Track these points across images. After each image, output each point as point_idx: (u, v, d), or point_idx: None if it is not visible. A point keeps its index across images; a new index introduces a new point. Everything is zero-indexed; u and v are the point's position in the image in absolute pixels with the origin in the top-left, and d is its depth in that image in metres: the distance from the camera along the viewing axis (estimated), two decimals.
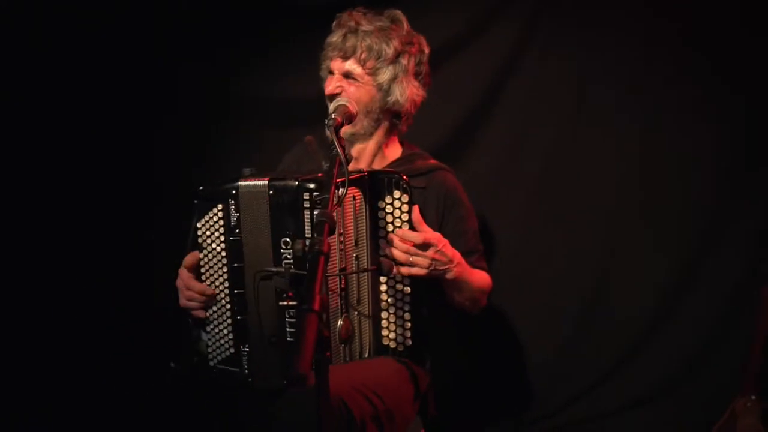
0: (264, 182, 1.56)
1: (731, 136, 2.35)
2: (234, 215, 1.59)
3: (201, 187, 1.63)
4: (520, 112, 2.48)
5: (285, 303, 1.49)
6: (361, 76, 1.75)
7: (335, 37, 1.76)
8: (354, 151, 1.83)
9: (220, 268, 1.64)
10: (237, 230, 1.59)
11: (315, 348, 0.99)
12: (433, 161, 1.88)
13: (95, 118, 2.43)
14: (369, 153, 1.84)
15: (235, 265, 1.61)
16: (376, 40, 1.73)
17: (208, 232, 1.64)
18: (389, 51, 1.74)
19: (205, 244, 1.64)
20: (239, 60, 2.50)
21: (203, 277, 1.66)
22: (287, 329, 1.55)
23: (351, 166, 1.70)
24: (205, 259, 1.65)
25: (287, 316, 1.54)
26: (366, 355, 1.63)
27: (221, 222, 1.61)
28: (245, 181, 1.58)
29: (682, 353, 2.42)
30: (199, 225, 1.64)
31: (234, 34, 2.48)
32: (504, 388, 2.56)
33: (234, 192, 1.59)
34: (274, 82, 2.51)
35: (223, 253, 1.62)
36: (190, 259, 1.66)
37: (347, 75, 1.76)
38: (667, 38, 2.35)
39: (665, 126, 2.40)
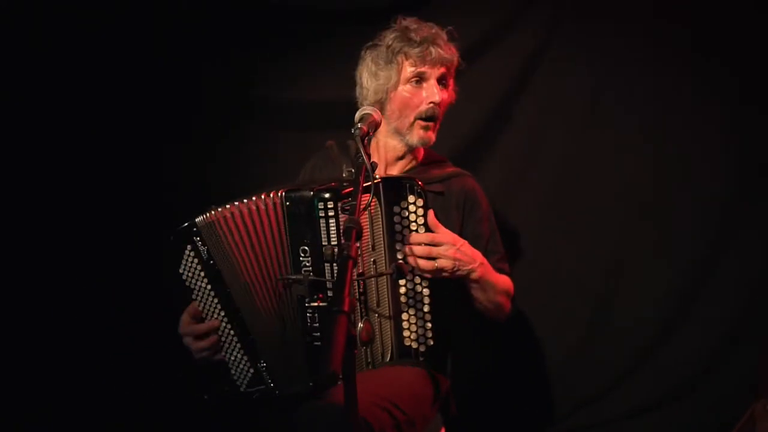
0: (202, 218, 1.73)
1: (744, 141, 2.44)
2: (203, 249, 1.75)
3: (171, 237, 1.78)
4: (537, 117, 2.59)
5: (316, 304, 1.61)
6: (448, 81, 1.94)
7: (425, 47, 1.86)
8: (401, 154, 1.97)
9: (212, 300, 1.78)
10: (212, 262, 1.75)
11: (345, 347, 1.13)
12: (451, 168, 2.00)
13: (110, 119, 2.54)
14: (413, 156, 1.99)
15: (225, 291, 1.76)
16: (455, 50, 1.92)
17: (190, 273, 1.79)
18: (458, 59, 1.94)
19: (192, 284, 1.79)
20: (258, 63, 2.61)
21: (203, 315, 1.80)
22: (310, 334, 1.66)
23: (380, 173, 1.84)
24: (198, 298, 1.80)
25: (309, 321, 1.65)
26: (388, 358, 1.72)
27: (196, 260, 1.76)
28: (201, 216, 1.74)
29: (695, 356, 2.49)
30: (181, 270, 1.79)
31: (253, 37, 2.58)
32: (520, 390, 2.66)
33: (195, 229, 1.75)
34: (293, 85, 2.62)
35: (209, 287, 1.77)
36: (186, 317, 1.81)
37: (440, 81, 1.91)
38: (680, 43, 2.45)
39: (679, 131, 2.49)
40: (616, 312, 2.58)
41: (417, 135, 1.91)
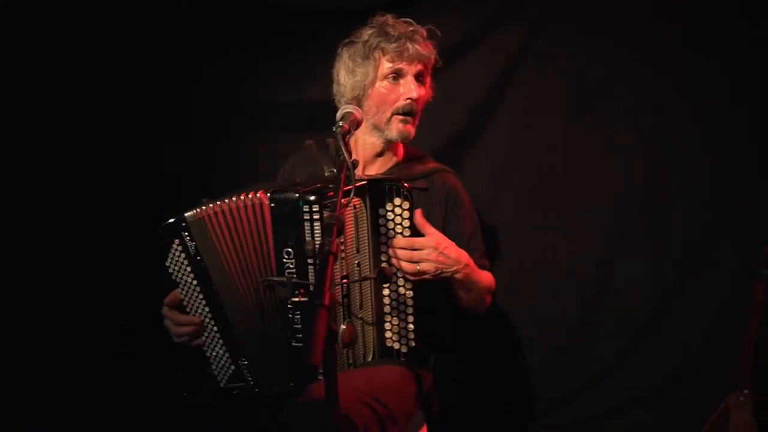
0: (191, 213, 1.75)
1: (731, 141, 2.48)
2: (191, 245, 1.77)
3: (159, 231, 1.80)
4: (521, 115, 2.63)
5: (297, 299, 1.63)
6: (426, 77, 1.96)
7: (402, 43, 1.89)
8: (380, 151, 2.00)
9: (197, 295, 1.80)
10: (198, 258, 1.77)
11: (325, 341, 1.15)
12: (433, 164, 2.04)
13: (109, 119, 2.58)
14: (392, 153, 2.02)
15: (211, 288, 1.78)
16: (432, 47, 1.95)
17: (176, 267, 1.81)
18: (435, 56, 1.96)
19: (178, 279, 1.82)
20: (253, 63, 2.65)
21: (187, 309, 1.83)
22: (292, 334, 1.67)
23: (360, 171, 1.87)
24: (184, 293, 1.82)
25: (291, 322, 1.66)
26: (370, 358, 1.75)
27: (183, 254, 1.79)
28: (191, 211, 1.76)
29: (680, 353, 2.54)
30: (167, 263, 1.82)
31: (249, 37, 2.62)
32: (503, 387, 2.70)
33: (184, 224, 1.77)
34: (288, 85, 2.67)
35: (195, 282, 1.79)
36: (168, 300, 1.83)
37: (417, 77, 1.93)
38: (669, 41, 2.49)
39: (665, 129, 2.53)
40: (601, 311, 2.63)
41: (396, 129, 1.93)
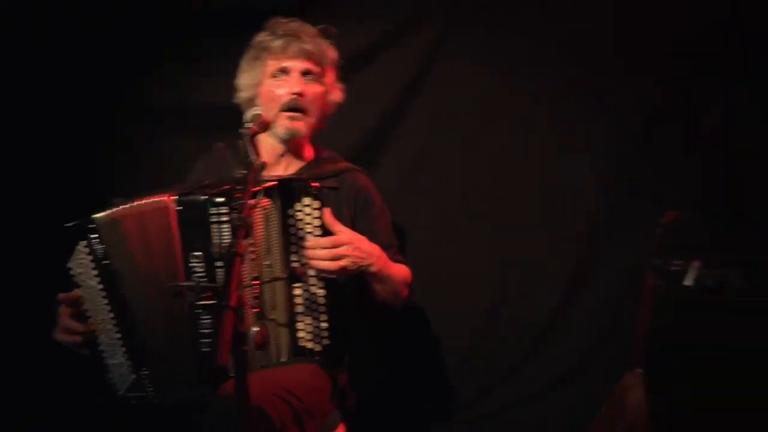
0: (107, 213, 1.70)
1: (622, 141, 2.66)
2: (99, 247, 1.71)
3: (64, 231, 1.73)
4: (431, 118, 2.71)
5: (203, 303, 1.61)
6: (319, 75, 1.96)
7: (286, 41, 1.91)
8: (281, 152, 2.00)
9: (101, 300, 1.74)
10: (106, 261, 1.72)
11: (233, 342, 1.15)
12: (344, 163, 2.07)
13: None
14: (296, 153, 2.03)
15: (117, 292, 1.72)
16: (324, 44, 1.97)
17: (80, 269, 1.74)
18: (332, 54, 1.99)
19: (81, 281, 1.75)
20: (157, 64, 2.61)
21: (88, 314, 1.76)
22: (200, 340, 1.64)
23: (266, 172, 1.88)
24: (85, 295, 1.75)
25: (200, 327, 1.63)
26: (283, 359, 1.74)
27: (90, 257, 1.72)
28: (101, 213, 1.71)
29: (581, 344, 2.69)
30: (70, 264, 1.74)
31: (153, 38, 2.57)
32: (420, 382, 2.76)
33: (92, 226, 1.71)
34: (193, 88, 2.64)
35: (100, 286, 1.73)
36: (64, 296, 1.76)
37: (305, 74, 1.94)
38: (573, 45, 2.62)
39: (567, 133, 2.68)
40: (508, 307, 2.73)
41: (282, 126, 1.95)
